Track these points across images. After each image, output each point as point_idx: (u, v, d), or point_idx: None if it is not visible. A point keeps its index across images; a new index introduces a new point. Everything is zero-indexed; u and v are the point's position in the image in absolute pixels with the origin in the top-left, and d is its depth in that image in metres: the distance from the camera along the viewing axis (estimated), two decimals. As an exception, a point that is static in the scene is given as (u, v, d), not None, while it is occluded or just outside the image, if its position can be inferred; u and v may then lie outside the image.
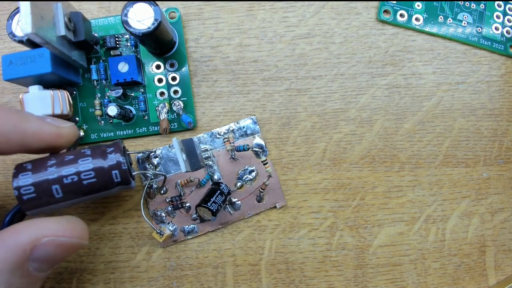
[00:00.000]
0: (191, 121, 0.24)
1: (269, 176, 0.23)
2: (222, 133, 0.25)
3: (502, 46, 0.27)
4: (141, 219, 0.25)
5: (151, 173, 0.24)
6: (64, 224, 0.17)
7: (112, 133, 0.24)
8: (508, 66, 0.27)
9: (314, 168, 0.25)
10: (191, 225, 0.25)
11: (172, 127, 0.24)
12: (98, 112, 0.24)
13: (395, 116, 0.26)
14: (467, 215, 0.26)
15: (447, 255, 0.26)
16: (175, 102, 0.24)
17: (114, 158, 0.19)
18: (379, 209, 0.25)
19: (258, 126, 0.25)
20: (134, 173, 0.21)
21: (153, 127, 0.25)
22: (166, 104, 0.24)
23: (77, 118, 0.24)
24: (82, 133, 0.24)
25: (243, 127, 0.25)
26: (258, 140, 0.25)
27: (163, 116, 0.24)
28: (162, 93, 0.25)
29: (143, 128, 0.25)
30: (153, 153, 0.24)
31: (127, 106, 0.24)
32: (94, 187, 0.19)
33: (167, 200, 0.24)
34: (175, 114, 0.24)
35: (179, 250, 0.25)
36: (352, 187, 0.25)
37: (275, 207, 0.25)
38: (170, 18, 0.25)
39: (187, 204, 0.24)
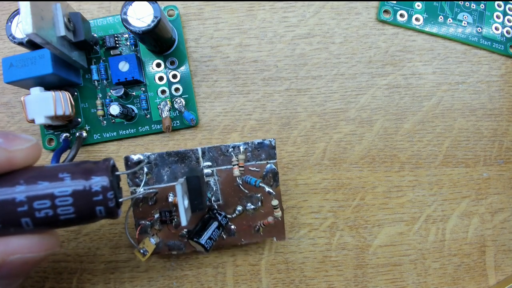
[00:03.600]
0: (193, 118, 0.24)
1: (276, 218, 0.22)
2: (231, 151, 0.21)
3: (502, 46, 0.27)
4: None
5: (142, 193, 0.21)
6: (32, 239, 0.16)
7: (114, 133, 0.24)
8: (508, 66, 0.27)
9: (314, 168, 0.25)
10: (178, 242, 0.22)
11: (174, 124, 0.24)
12: (100, 112, 0.24)
13: (395, 116, 0.26)
14: (467, 215, 0.26)
15: (447, 255, 0.26)
16: (176, 99, 0.24)
17: (100, 192, 0.16)
18: (379, 209, 0.25)
19: (275, 152, 0.22)
20: (122, 199, 0.17)
21: (155, 126, 0.25)
22: (168, 102, 0.24)
23: (79, 119, 0.24)
24: (85, 134, 0.24)
25: (259, 150, 0.22)
26: (272, 166, 0.22)
27: (165, 114, 0.24)
28: (163, 91, 0.25)
29: (145, 127, 0.25)
30: (146, 159, 0.21)
31: (129, 105, 0.24)
32: (72, 222, 0.16)
33: (156, 217, 0.22)
34: (177, 111, 0.24)
35: (179, 250, 0.25)
36: (352, 187, 0.25)
37: (272, 238, 0.23)
38: (169, 16, 0.25)
39: (177, 220, 0.22)
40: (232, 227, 0.23)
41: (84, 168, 0.16)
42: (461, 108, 0.26)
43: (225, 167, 0.22)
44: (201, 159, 0.22)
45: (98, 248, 0.24)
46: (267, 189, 0.20)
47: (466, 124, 0.26)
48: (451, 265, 0.26)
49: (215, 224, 0.21)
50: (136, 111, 0.24)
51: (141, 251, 0.22)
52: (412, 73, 0.26)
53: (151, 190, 0.21)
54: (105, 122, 0.24)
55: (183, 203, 0.17)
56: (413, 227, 0.25)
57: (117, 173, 0.17)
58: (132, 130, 0.25)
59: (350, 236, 0.25)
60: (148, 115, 0.25)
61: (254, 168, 0.22)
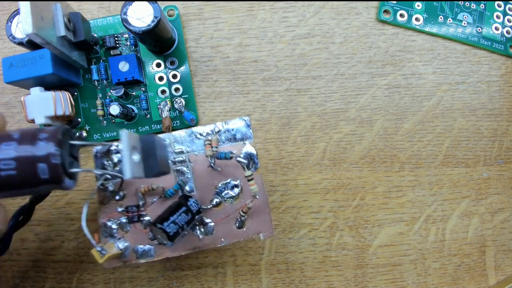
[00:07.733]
0: (193, 118, 0.24)
1: (254, 197, 0.18)
2: (204, 134, 0.20)
3: (502, 46, 0.27)
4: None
5: (100, 172, 0.18)
6: None
7: (114, 133, 0.24)
8: (508, 66, 0.27)
9: (314, 168, 0.25)
10: (147, 246, 0.19)
11: (174, 124, 0.24)
12: (100, 112, 0.24)
13: (395, 116, 0.26)
14: (467, 215, 0.26)
15: (447, 255, 0.26)
16: (176, 99, 0.24)
17: (44, 147, 0.15)
18: (379, 209, 0.25)
19: (251, 131, 0.20)
20: (74, 170, 0.16)
21: (155, 125, 0.25)
22: (168, 102, 0.24)
23: (79, 119, 0.24)
24: (85, 134, 0.24)
25: (232, 130, 0.20)
26: (248, 147, 0.20)
27: (165, 114, 0.24)
28: (163, 91, 0.25)
29: (145, 127, 0.25)
30: (114, 148, 0.19)
31: (129, 105, 0.24)
32: (12, 182, 0.15)
33: (121, 210, 0.20)
34: (177, 111, 0.24)
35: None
36: (352, 187, 0.25)
37: (258, 237, 0.20)
38: (169, 16, 0.25)
39: (146, 218, 0.20)
40: (210, 224, 0.19)
41: (31, 135, 0.15)
42: (461, 108, 0.26)
43: (198, 151, 0.20)
44: (173, 143, 0.20)
45: (98, 248, 0.24)
46: (240, 158, 0.18)
47: (466, 124, 0.26)
48: (451, 265, 0.26)
49: (183, 208, 0.18)
50: (136, 111, 0.24)
51: (98, 249, 0.18)
52: (412, 73, 0.26)
53: (113, 173, 0.19)
54: (105, 122, 0.24)
55: (128, 153, 0.15)
56: (413, 227, 0.25)
57: (73, 142, 0.16)
58: (132, 130, 0.24)
59: (350, 236, 0.25)
60: (148, 115, 0.25)
61: (227, 150, 0.20)
